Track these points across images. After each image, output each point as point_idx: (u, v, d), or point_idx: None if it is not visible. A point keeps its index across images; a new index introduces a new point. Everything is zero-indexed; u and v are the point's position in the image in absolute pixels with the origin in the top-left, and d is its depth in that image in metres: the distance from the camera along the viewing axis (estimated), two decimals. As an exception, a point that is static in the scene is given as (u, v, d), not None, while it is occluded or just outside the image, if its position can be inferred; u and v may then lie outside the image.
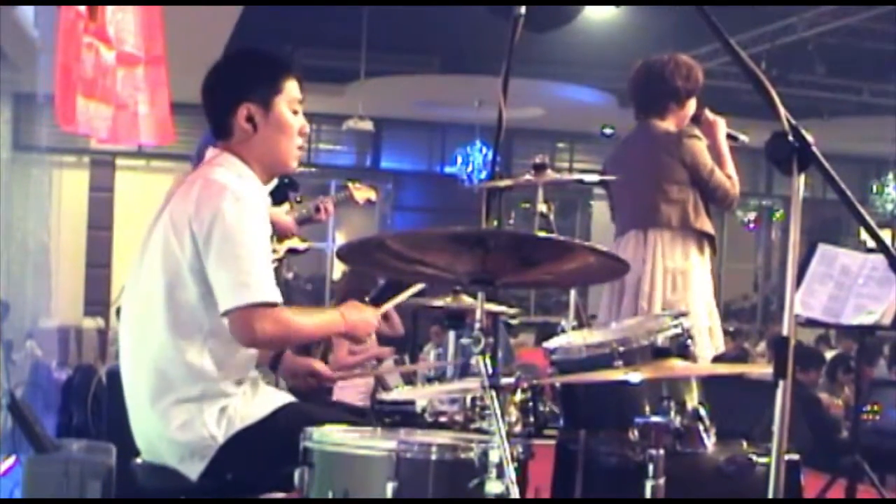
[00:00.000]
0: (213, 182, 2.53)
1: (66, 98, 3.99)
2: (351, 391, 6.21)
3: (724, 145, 3.99)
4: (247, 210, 2.49)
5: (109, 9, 4.13)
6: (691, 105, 4.03)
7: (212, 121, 2.70)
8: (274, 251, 4.68)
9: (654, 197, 3.92)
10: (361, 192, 5.32)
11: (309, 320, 2.63)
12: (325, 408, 3.62)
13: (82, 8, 4.02)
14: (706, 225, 3.95)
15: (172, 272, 2.51)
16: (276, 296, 2.47)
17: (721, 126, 4.01)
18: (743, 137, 4.05)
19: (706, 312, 3.92)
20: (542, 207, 3.49)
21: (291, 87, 2.68)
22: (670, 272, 3.88)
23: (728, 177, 3.94)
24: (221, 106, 2.66)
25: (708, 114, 4.03)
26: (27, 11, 7.68)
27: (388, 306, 2.99)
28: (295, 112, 2.68)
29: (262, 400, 2.61)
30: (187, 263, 2.50)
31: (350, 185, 5.36)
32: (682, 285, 3.88)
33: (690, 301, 3.82)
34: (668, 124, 4.01)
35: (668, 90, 3.97)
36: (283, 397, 2.69)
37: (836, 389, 7.98)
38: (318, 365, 3.07)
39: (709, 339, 3.86)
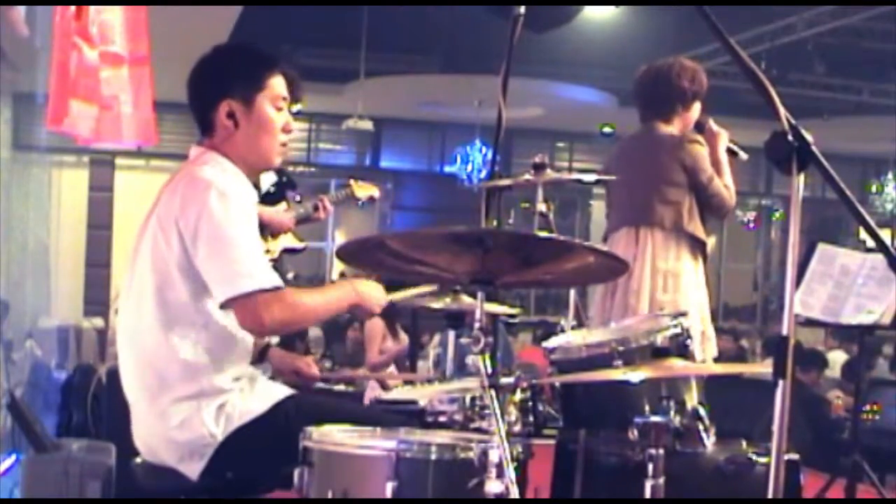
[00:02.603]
0: (197, 179, 2.53)
1: (61, 97, 3.97)
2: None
3: (724, 157, 4.00)
4: (232, 204, 2.48)
5: (92, 8, 4.10)
6: (696, 109, 4.05)
7: (195, 116, 2.69)
8: (268, 251, 4.66)
9: (649, 196, 3.92)
10: (364, 190, 5.29)
11: (319, 297, 2.61)
12: (329, 397, 3.62)
13: (72, 7, 4.01)
14: (699, 230, 3.95)
15: (161, 272, 2.51)
16: (274, 280, 2.46)
17: (723, 138, 4.02)
18: (743, 155, 4.07)
19: (699, 318, 3.90)
20: (541, 207, 3.49)
21: (276, 84, 2.66)
22: (661, 273, 3.88)
23: (725, 187, 3.95)
24: (204, 102, 2.65)
25: (712, 124, 4.05)
26: (21, 11, 7.66)
27: (399, 296, 2.99)
28: (279, 109, 2.66)
29: (260, 395, 2.60)
30: (175, 262, 2.49)
31: (352, 182, 5.34)
32: (673, 287, 3.87)
33: (681, 303, 3.80)
34: (673, 128, 4.03)
35: (675, 92, 3.99)
36: (283, 390, 2.68)
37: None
38: (302, 363, 3.07)
39: (700, 344, 3.84)
